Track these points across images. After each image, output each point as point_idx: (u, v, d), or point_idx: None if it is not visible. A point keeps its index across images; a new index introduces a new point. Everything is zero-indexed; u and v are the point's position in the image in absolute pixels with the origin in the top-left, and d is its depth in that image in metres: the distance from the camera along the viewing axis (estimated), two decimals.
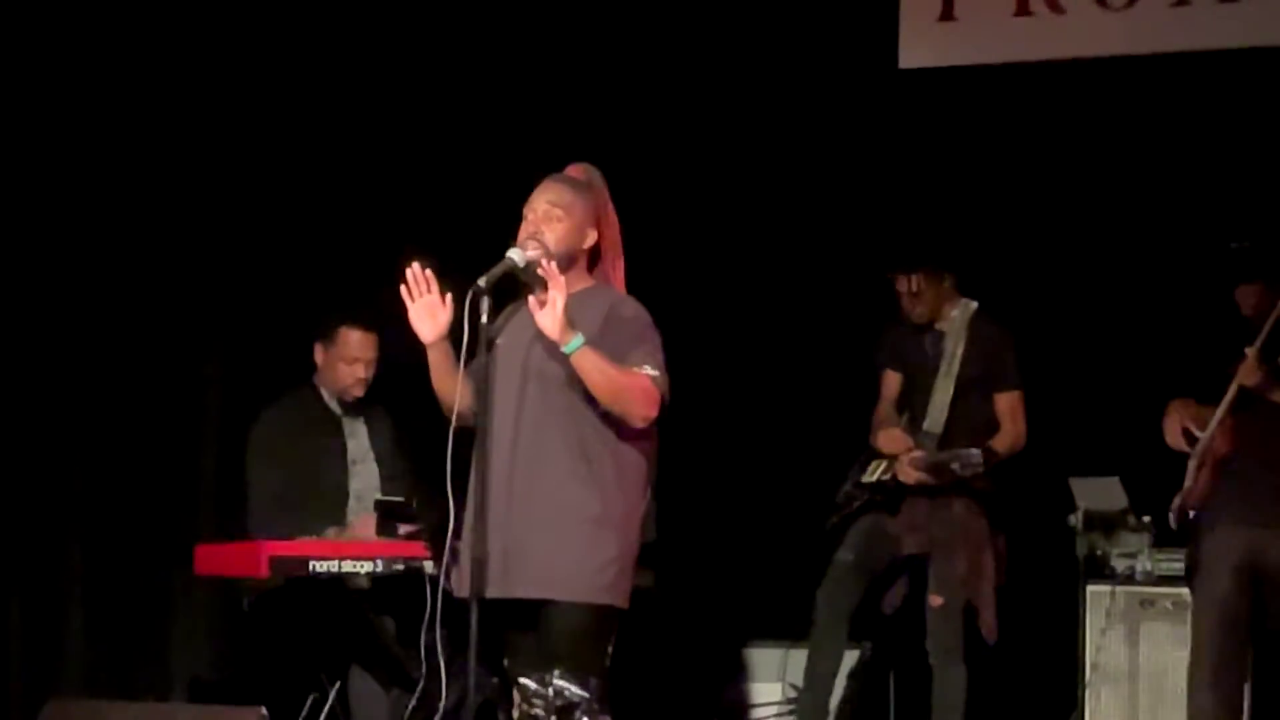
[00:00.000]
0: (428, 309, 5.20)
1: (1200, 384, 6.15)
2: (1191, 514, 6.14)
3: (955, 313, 6.99)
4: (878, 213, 7.61)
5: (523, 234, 5.22)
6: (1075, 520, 7.02)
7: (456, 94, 7.86)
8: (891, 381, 7.15)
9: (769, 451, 7.75)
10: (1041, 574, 7.13)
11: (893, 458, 6.94)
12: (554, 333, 5.05)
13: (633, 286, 5.37)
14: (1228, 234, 6.33)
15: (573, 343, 5.06)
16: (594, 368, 5.08)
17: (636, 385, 5.12)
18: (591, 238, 5.26)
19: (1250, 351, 5.95)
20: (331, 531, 6.44)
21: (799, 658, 7.30)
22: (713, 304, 7.81)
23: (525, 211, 5.25)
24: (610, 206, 5.32)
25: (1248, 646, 6.17)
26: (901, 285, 6.99)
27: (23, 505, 7.06)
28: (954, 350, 6.95)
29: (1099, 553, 7.05)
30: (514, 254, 5.18)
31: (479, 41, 7.88)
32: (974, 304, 7.00)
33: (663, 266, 6.48)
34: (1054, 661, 7.05)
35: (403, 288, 5.20)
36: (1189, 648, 6.29)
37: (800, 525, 7.39)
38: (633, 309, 5.25)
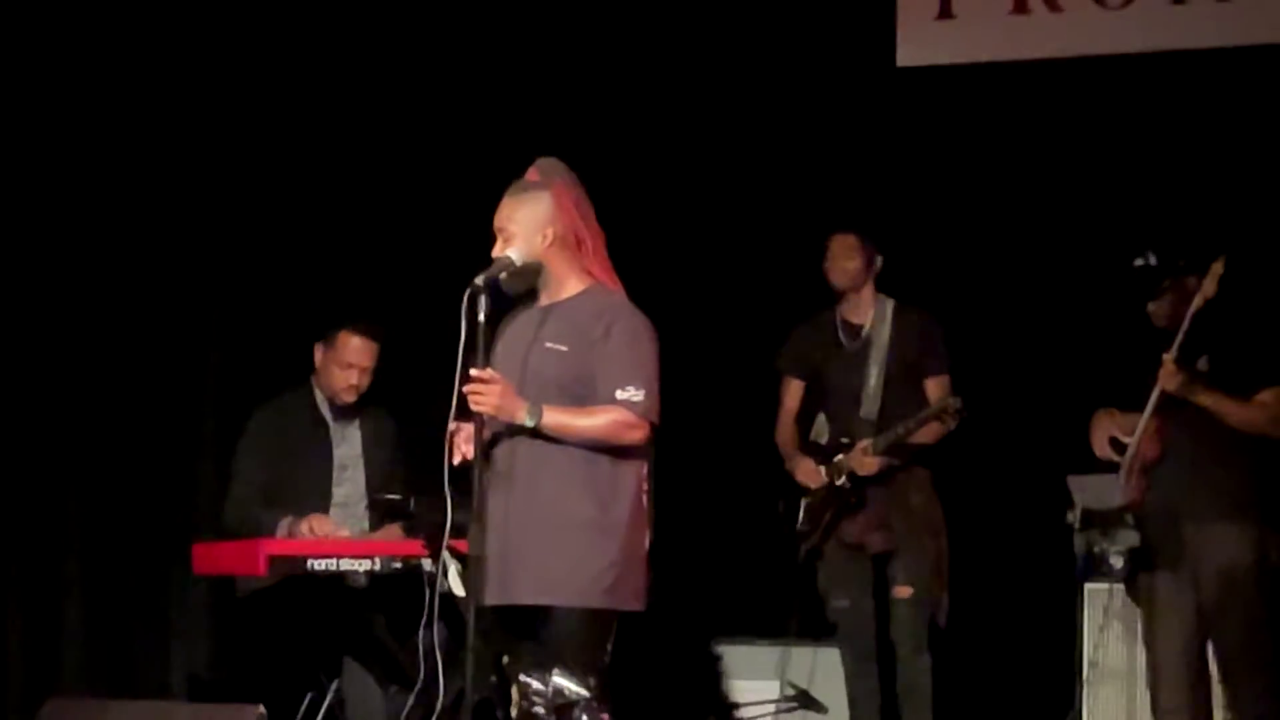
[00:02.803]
0: (466, 437, 5.15)
1: (1122, 393, 6.22)
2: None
3: (873, 310, 7.07)
4: (878, 212, 7.61)
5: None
6: (1073, 518, 7.01)
7: (458, 92, 7.86)
8: (793, 390, 7.22)
9: (769, 449, 7.74)
10: (1039, 572, 7.13)
11: (841, 458, 6.97)
12: (507, 418, 5.07)
13: (632, 286, 5.37)
14: (1231, 233, 6.36)
15: (528, 419, 5.08)
16: (562, 427, 5.11)
17: (611, 423, 5.13)
18: (549, 235, 5.21)
19: (1167, 357, 6.05)
20: (284, 524, 6.42)
21: (797, 655, 7.32)
22: (709, 303, 7.80)
23: None
24: (567, 194, 5.24)
25: (1202, 641, 6.21)
26: (835, 245, 7.06)
27: (21, 504, 7.06)
28: (880, 339, 7.02)
29: (1097, 550, 7.05)
30: (512, 252, 5.19)
31: (481, 39, 7.88)
32: (891, 300, 7.08)
33: (657, 264, 6.50)
34: (1051, 659, 7.04)
35: (457, 458, 5.16)
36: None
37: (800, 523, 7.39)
38: (621, 318, 5.20)
